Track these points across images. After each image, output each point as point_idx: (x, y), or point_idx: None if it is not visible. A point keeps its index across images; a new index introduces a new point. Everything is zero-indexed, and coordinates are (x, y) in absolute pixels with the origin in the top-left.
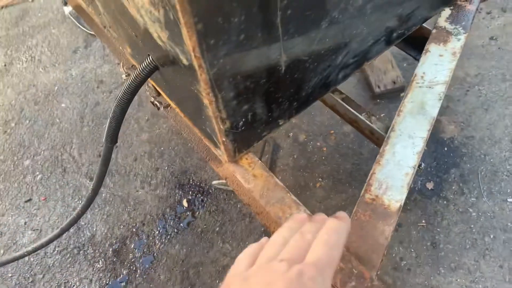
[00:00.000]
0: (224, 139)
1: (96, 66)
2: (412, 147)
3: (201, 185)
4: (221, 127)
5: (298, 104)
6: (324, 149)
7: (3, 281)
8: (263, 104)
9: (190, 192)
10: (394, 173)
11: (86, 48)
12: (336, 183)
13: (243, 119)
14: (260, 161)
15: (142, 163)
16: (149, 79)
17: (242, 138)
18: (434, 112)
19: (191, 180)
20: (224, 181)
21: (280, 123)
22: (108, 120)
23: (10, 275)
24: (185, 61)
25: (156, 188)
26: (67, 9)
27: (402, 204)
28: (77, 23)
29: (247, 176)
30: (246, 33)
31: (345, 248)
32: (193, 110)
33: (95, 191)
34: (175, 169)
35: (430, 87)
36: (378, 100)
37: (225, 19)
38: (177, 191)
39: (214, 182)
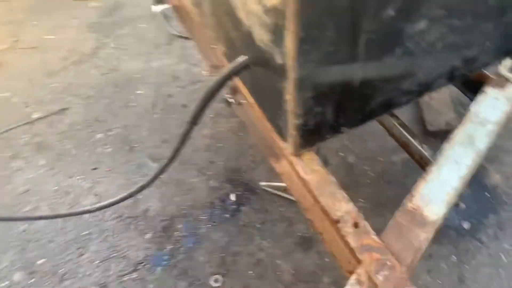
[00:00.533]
0: (294, 132)
1: (174, 63)
2: (457, 171)
3: (250, 184)
4: (295, 121)
5: (361, 117)
6: (370, 173)
7: (63, 234)
8: (332, 110)
9: (239, 188)
10: (437, 190)
11: (168, 46)
12: (376, 206)
13: (314, 119)
14: (318, 159)
15: (200, 155)
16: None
17: (309, 135)
18: (482, 146)
19: (241, 178)
20: (272, 183)
21: (342, 131)
22: (197, 103)
23: (69, 229)
24: (279, 61)
25: (209, 179)
26: (158, 8)
27: (440, 220)
28: (165, 23)
29: (306, 169)
30: (334, 46)
31: (382, 242)
32: (271, 105)
33: (170, 162)
34: (229, 165)
35: (481, 124)
36: (428, 138)
37: (321, 33)
38: (227, 185)
39: (263, 183)
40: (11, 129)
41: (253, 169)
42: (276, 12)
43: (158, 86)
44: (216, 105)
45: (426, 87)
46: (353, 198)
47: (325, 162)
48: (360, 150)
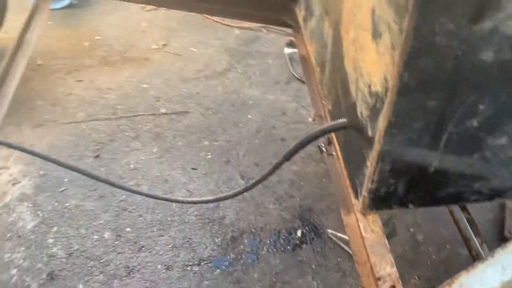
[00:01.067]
0: (365, 194)
1: (286, 101)
2: (500, 274)
3: (318, 227)
4: (369, 185)
5: (429, 200)
6: (433, 256)
7: (152, 213)
8: (404, 185)
9: (307, 227)
10: (476, 284)
11: (286, 84)
12: None
13: (386, 188)
14: (380, 223)
15: (283, 186)
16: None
17: (378, 200)
18: None
19: (312, 218)
20: (338, 234)
21: (409, 206)
22: (295, 143)
23: (158, 211)
24: (370, 134)
25: (283, 210)
26: (288, 50)
27: None
28: (290, 65)
29: (368, 228)
30: (418, 136)
31: None
32: (353, 165)
33: (256, 184)
34: (305, 203)
35: None
36: (501, 243)
37: (409, 123)
38: (297, 220)
39: (330, 230)
40: (140, 115)
41: (325, 215)
42: (377, 97)
43: (266, 116)
44: (310, 148)
45: (499, 194)
46: (409, 273)
47: (393, 232)
48: (431, 232)
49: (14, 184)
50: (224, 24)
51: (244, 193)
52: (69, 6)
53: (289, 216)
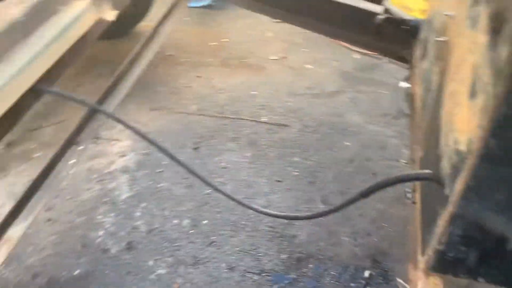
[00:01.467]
0: (431, 254)
1: (389, 135)
2: None
3: (388, 272)
4: (436, 245)
5: (504, 279)
6: None
7: (230, 213)
8: (476, 256)
9: (376, 270)
10: None
11: (393, 119)
12: None
13: (454, 253)
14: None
15: (363, 222)
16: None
17: (443, 264)
18: None
19: (383, 263)
20: (407, 286)
21: (479, 280)
22: (376, 182)
23: (236, 212)
24: (447, 192)
25: (356, 246)
26: (403, 85)
27: None
28: (402, 100)
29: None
30: (499, 206)
31: None
32: (427, 219)
33: (334, 211)
34: (381, 246)
35: None
36: None
37: (491, 191)
38: (368, 260)
39: (400, 280)
40: (242, 119)
41: (399, 263)
42: (461, 157)
43: (364, 147)
44: (402, 189)
45: None
46: None
47: None
48: None
49: (121, 156)
50: (345, 46)
51: (321, 219)
52: (207, 6)
53: (361, 254)
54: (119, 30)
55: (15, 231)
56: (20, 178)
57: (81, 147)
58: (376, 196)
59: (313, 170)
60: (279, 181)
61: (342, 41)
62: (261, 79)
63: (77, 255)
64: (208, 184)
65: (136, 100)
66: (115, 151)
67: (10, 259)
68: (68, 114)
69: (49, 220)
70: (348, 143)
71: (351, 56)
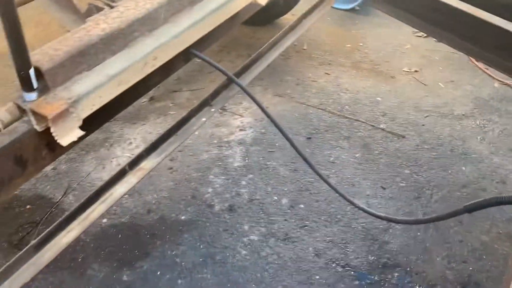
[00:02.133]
0: None
1: (510, 171)
2: None
3: None
4: None
5: None
6: None
7: (327, 204)
8: None
9: None
10: None
11: None
12: None
13: None
14: None
15: (462, 248)
16: None
17: None
18: None
19: None
20: None
21: None
22: (485, 199)
23: (332, 205)
24: None
25: (449, 269)
26: None
27: None
28: None
29: None
30: None
31: None
32: None
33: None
34: (475, 276)
35: None
36: None
37: None
38: (458, 286)
39: None
40: (360, 121)
41: None
42: None
43: (481, 177)
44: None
45: None
46: None
47: None
48: None
49: (240, 130)
50: (486, 73)
51: (417, 234)
52: (352, 10)
53: (452, 278)
54: (263, 19)
55: (148, 164)
56: (155, 128)
57: (213, 109)
58: (483, 227)
59: (421, 186)
60: (383, 187)
61: (487, 64)
62: (389, 87)
63: (186, 203)
64: (315, 171)
65: (263, 83)
66: (236, 124)
67: (133, 191)
68: (204, 84)
69: (170, 168)
70: (464, 168)
71: (490, 83)
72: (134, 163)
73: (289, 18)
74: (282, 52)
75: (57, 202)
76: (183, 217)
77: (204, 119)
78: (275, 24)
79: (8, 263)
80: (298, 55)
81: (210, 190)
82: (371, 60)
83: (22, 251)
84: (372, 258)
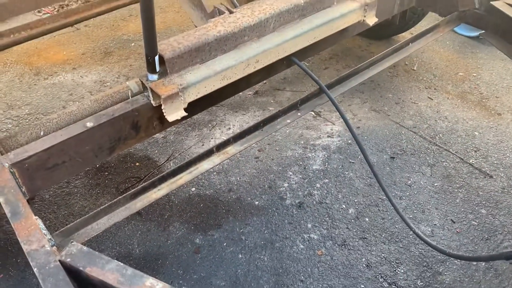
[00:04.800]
0: None
1: None
2: None
3: None
4: None
5: None
6: None
7: (391, 223)
8: None
9: None
10: None
11: None
12: None
13: None
14: None
15: None
16: None
17: None
18: None
19: None
20: None
21: None
22: None
23: (396, 226)
24: None
25: None
26: None
27: None
28: None
29: None
30: None
31: None
32: None
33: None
34: None
35: None
36: None
37: None
38: None
39: None
40: (450, 152)
41: None
42: None
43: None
44: None
45: None
46: None
47: None
48: None
49: (328, 136)
50: None
51: (475, 273)
52: (475, 37)
53: None
54: (379, 34)
55: (232, 149)
56: (253, 119)
57: (299, 113)
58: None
59: (494, 229)
60: (453, 221)
61: None
62: (491, 124)
63: (262, 191)
64: (383, 188)
65: (363, 96)
66: (326, 130)
67: (222, 170)
68: (306, 87)
69: (257, 157)
70: None
71: None
72: (221, 146)
73: (405, 36)
74: (386, 68)
75: (160, 165)
76: (256, 202)
77: (289, 120)
78: (389, 40)
79: (109, 203)
80: (406, 74)
81: (286, 184)
82: (480, 93)
83: (120, 197)
84: (421, 284)
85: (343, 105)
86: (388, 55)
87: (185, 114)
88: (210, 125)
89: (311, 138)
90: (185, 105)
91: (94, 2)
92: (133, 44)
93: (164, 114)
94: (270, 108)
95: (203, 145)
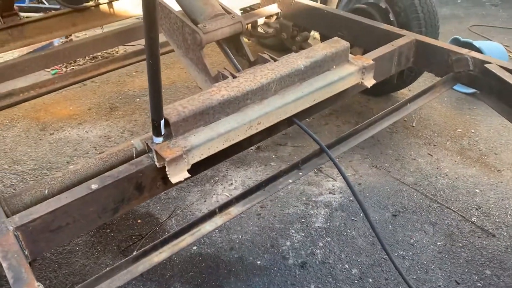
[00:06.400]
0: None
1: None
2: None
3: None
4: None
5: None
6: None
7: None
8: None
9: None
10: None
11: None
12: None
13: None
14: None
15: None
16: None
17: None
18: None
19: None
20: None
21: None
22: None
23: None
24: None
25: None
26: None
27: None
28: None
29: None
30: None
31: None
32: None
33: None
34: None
35: None
36: None
37: None
38: None
39: None
40: (450, 208)
41: None
42: None
43: None
44: None
45: None
46: None
47: None
48: None
49: (330, 193)
50: None
51: None
52: (472, 94)
53: None
54: (378, 91)
55: (234, 210)
56: (255, 175)
57: (301, 173)
58: None
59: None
60: (457, 282)
61: None
62: (492, 181)
63: (264, 250)
64: (385, 250)
65: (363, 152)
66: (327, 186)
67: (223, 228)
68: (308, 143)
69: (259, 214)
70: None
71: None
72: (223, 207)
73: (404, 92)
74: (387, 126)
75: (162, 222)
76: (259, 262)
77: (290, 180)
78: (388, 96)
79: (111, 267)
80: (405, 131)
81: (288, 243)
82: (479, 149)
83: (123, 260)
84: None
85: (344, 161)
86: (387, 115)
87: (188, 175)
88: (212, 181)
89: (313, 195)
90: (189, 167)
91: (101, 61)
92: (138, 99)
93: (168, 176)
94: (272, 164)
95: (205, 201)
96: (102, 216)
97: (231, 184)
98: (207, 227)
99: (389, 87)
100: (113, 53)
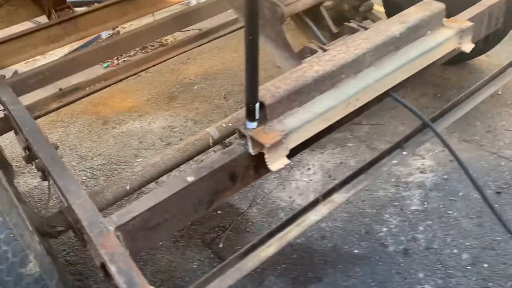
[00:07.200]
0: None
1: None
2: None
3: None
4: None
5: None
6: None
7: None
8: None
9: None
10: None
11: None
12: None
13: None
14: None
15: None
16: None
17: None
18: None
19: None
20: None
21: None
22: None
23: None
24: None
25: None
26: None
27: None
28: None
29: None
30: None
31: None
32: None
33: None
34: None
35: None
36: None
37: None
38: None
39: None
40: None
41: None
42: None
43: None
44: None
45: None
46: None
47: None
48: None
49: (420, 172)
50: None
51: None
52: None
53: None
54: (455, 59)
55: (338, 197)
56: (333, 158)
57: (404, 152)
58: None
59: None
60: None
61: None
62: None
63: (359, 237)
64: (507, 228)
65: (449, 126)
66: (416, 165)
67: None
68: (384, 119)
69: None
70: None
71: None
72: (326, 194)
73: (481, 59)
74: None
75: (243, 212)
76: (355, 251)
77: (395, 161)
78: (465, 64)
79: (219, 266)
80: (491, 100)
81: (384, 229)
82: None
83: (230, 258)
84: None
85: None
86: (488, 82)
87: (288, 161)
88: (288, 167)
89: (402, 175)
90: (288, 152)
91: (161, 49)
92: (195, 87)
93: (267, 163)
94: (350, 144)
95: (284, 188)
96: (198, 209)
97: (309, 169)
98: (312, 217)
99: (468, 54)
100: (162, 42)
